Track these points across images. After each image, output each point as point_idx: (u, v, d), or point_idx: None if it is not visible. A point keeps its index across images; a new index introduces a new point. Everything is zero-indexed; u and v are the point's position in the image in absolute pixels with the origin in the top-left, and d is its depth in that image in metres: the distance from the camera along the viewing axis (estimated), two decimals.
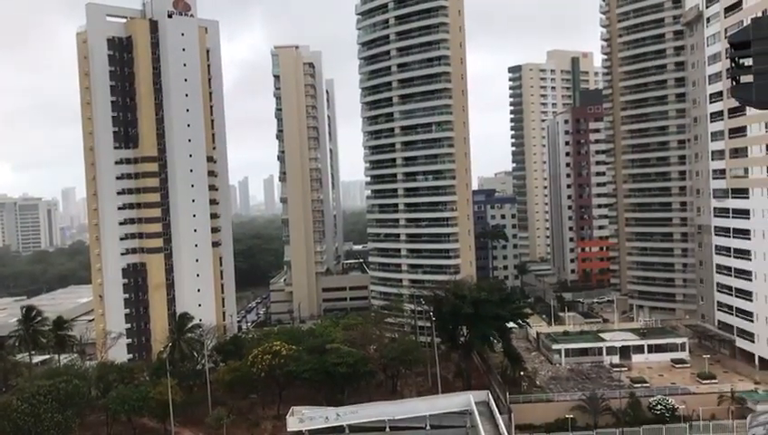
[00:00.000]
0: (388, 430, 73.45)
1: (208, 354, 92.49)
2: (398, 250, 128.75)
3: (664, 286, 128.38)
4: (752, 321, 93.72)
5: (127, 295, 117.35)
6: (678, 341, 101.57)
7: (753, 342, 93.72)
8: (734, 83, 25.43)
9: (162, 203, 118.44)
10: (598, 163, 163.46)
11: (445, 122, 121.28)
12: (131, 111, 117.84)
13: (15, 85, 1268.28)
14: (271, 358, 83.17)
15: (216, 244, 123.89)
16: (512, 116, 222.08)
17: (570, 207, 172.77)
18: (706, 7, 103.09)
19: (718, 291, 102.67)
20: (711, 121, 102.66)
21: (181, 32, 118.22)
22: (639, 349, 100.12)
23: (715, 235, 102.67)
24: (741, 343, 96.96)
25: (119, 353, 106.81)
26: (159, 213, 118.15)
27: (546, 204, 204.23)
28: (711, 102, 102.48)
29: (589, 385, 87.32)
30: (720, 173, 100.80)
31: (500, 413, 71.96)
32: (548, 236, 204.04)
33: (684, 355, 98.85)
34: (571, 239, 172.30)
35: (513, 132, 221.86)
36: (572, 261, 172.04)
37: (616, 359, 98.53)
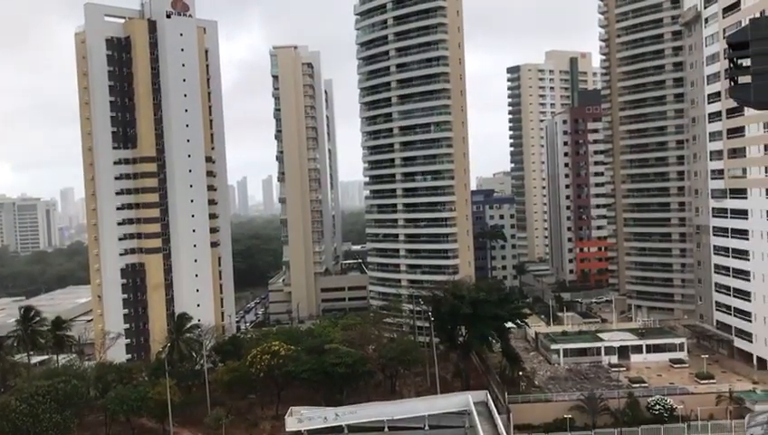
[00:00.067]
0: (386, 430, 73.47)
1: (207, 354, 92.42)
2: (397, 250, 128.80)
3: (662, 286, 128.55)
4: (750, 321, 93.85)
5: (125, 296, 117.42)
6: (677, 341, 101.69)
7: (752, 342, 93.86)
8: (732, 84, 25.46)
9: (161, 203, 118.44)
10: (596, 163, 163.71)
11: (443, 123, 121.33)
12: (130, 112, 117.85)
13: (15, 85, 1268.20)
14: (269, 358, 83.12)
15: (214, 244, 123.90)
16: (510, 116, 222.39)
17: (568, 208, 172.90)
18: (705, 8, 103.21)
19: (716, 291, 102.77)
20: (709, 122, 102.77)
21: (180, 32, 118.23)
22: (638, 349, 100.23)
23: (714, 235, 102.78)
24: (739, 343, 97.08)
25: (117, 354, 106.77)
26: (158, 213, 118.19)
27: (545, 204, 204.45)
28: (709, 103, 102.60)
29: (587, 385, 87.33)
30: (718, 173, 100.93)
31: (498, 413, 72.05)
32: (546, 237, 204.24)
33: (682, 355, 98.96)
34: (570, 239, 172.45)
35: (511, 132, 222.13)
36: (571, 261, 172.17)
37: (614, 359, 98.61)
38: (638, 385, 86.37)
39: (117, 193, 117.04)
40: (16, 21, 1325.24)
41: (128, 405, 77.66)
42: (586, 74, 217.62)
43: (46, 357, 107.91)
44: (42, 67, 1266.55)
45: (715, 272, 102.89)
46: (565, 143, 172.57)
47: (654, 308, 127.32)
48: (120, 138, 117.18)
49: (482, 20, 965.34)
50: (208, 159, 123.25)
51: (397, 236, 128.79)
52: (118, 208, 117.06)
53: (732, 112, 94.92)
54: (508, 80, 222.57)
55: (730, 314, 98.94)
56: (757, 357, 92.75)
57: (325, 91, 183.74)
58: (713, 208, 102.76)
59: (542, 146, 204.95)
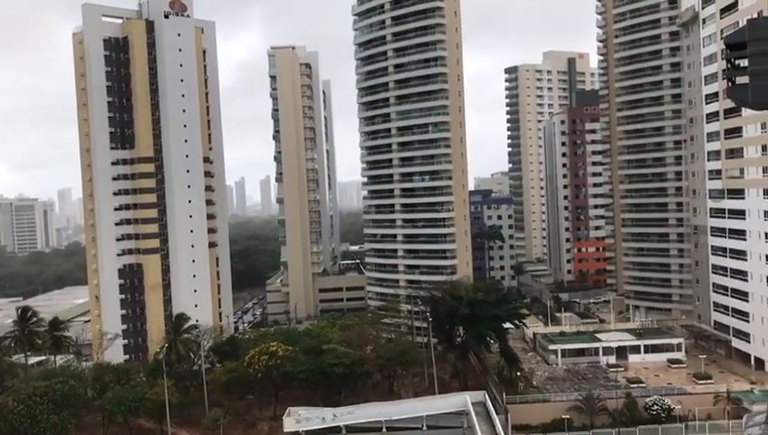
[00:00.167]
0: (384, 430, 73.37)
1: (205, 355, 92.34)
2: (395, 251, 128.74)
3: (660, 287, 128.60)
4: (748, 321, 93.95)
5: (123, 296, 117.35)
6: (674, 341, 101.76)
7: (749, 342, 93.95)
8: (730, 84, 25.49)
9: (158, 204, 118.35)
10: (594, 164, 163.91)
11: (441, 123, 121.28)
12: (128, 112, 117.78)
13: (15, 85, 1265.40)
14: (267, 359, 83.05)
15: (212, 244, 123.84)
16: (508, 117, 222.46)
17: (566, 208, 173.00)
18: (702, 8, 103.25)
19: (714, 291, 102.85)
20: (707, 122, 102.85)
21: (177, 32, 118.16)
22: (636, 349, 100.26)
23: (711, 235, 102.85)
24: (737, 343, 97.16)
25: (115, 354, 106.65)
26: (156, 214, 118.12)
27: (543, 204, 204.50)
28: (707, 103, 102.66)
29: (585, 385, 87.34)
30: (716, 174, 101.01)
31: (497, 414, 72.02)
32: (544, 237, 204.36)
33: (680, 355, 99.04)
34: (568, 240, 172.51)
35: (509, 133, 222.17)
36: (569, 261, 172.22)
37: (612, 359, 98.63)
38: (635, 385, 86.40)
39: (114, 194, 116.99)
40: (16, 21, 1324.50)
41: (125, 406, 77.57)
42: (584, 75, 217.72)
43: (44, 358, 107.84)
44: (42, 67, 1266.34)
45: (712, 272, 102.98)
46: (563, 144, 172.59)
47: (652, 308, 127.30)
48: (117, 138, 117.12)
49: (480, 21, 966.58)
50: (206, 160, 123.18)
51: (395, 236, 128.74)
52: (115, 209, 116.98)
53: (729, 113, 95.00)
54: (506, 80, 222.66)
55: (728, 315, 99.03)
56: (755, 357, 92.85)
57: (323, 92, 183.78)
58: (710, 209, 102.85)
59: (540, 146, 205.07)
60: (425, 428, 73.76)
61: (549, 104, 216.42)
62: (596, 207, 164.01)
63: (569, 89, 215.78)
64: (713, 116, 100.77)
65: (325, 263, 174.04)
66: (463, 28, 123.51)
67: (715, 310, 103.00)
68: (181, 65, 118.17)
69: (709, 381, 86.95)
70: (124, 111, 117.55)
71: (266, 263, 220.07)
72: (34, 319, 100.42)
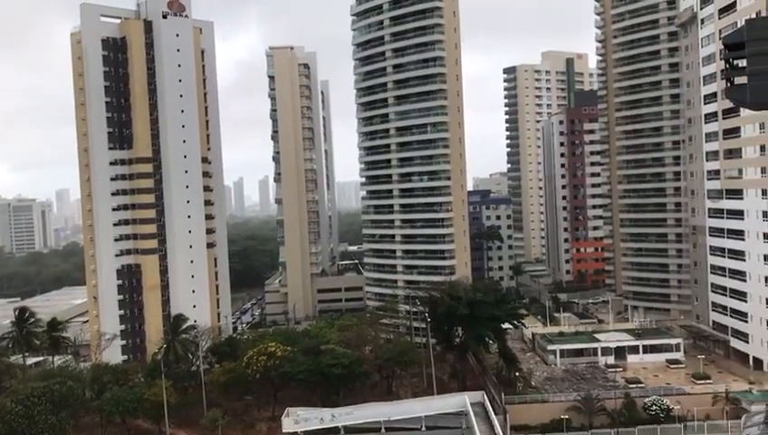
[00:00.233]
0: (383, 431, 73.30)
1: (203, 356, 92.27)
2: (394, 251, 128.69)
3: (659, 287, 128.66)
4: (746, 321, 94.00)
5: (121, 297, 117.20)
6: (673, 341, 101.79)
7: (748, 342, 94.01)
8: (728, 85, 25.43)
9: (157, 204, 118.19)
10: (593, 164, 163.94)
11: (440, 123, 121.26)
12: (126, 112, 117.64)
13: (15, 85, 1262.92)
14: (266, 359, 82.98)
15: (210, 245, 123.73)
16: (507, 117, 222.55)
17: (565, 208, 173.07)
18: (701, 8, 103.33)
19: (713, 291, 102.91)
20: (705, 122, 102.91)
21: (176, 32, 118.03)
22: (634, 349, 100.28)
23: (710, 235, 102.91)
24: (735, 343, 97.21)
25: (113, 355, 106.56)
26: (154, 214, 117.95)
27: (541, 205, 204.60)
28: (705, 103, 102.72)
29: (584, 386, 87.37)
30: (714, 174, 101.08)
31: (495, 414, 71.94)
32: (543, 237, 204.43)
33: (679, 356, 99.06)
34: (566, 240, 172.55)
35: (508, 133, 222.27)
36: (567, 262, 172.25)
37: (611, 359, 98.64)
38: (634, 386, 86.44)
39: (113, 194, 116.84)
40: (16, 21, 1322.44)
41: (123, 406, 77.42)
42: (582, 75, 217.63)
43: (42, 358, 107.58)
44: (41, 67, 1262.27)
45: (711, 272, 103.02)
46: (562, 144, 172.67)
47: (650, 309, 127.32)
48: (115, 138, 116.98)
49: (479, 21, 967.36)
50: (204, 160, 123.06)
51: (393, 236, 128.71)
52: (113, 209, 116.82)
53: (728, 113, 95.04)
54: (504, 80, 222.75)
55: (726, 315, 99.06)
56: (753, 357, 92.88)
57: (321, 92, 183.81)
58: (709, 209, 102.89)
59: (539, 147, 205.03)
60: (423, 428, 73.63)
61: (547, 104, 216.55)
62: (594, 207, 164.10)
63: (567, 89, 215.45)
64: (711, 116, 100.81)
65: (324, 263, 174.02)
66: (461, 28, 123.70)
67: (713, 310, 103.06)
68: (179, 65, 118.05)
69: (708, 381, 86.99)
70: (122, 111, 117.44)
71: (265, 263, 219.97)
72: (32, 320, 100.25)
